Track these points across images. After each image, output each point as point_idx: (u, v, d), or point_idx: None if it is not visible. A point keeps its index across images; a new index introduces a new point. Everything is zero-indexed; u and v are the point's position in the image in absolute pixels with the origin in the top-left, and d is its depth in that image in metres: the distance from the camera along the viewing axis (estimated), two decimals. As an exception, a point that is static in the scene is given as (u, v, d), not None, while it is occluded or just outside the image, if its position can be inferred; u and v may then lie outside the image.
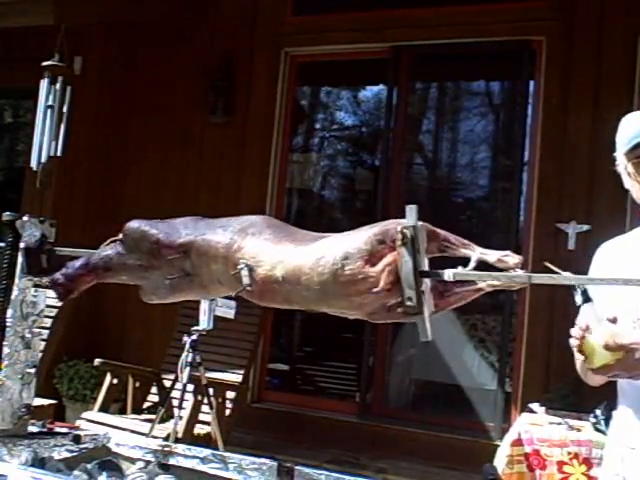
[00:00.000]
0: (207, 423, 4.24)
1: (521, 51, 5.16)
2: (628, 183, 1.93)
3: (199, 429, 4.24)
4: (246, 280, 1.52)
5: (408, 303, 1.38)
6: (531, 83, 5.20)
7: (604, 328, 1.62)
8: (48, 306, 2.30)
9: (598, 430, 3.23)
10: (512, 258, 1.43)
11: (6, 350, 1.81)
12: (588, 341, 1.61)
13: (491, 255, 1.43)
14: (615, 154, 1.94)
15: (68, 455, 1.82)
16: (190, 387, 4.01)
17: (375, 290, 1.40)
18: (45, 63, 5.12)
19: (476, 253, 1.43)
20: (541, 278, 1.45)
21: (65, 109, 5.15)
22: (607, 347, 1.59)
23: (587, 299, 1.61)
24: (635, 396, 1.87)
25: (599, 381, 1.94)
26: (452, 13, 5.25)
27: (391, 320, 1.48)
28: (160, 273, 1.65)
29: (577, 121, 4.73)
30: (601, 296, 1.79)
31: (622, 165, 1.92)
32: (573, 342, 1.65)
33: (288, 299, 1.52)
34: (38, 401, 3.58)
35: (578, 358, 1.84)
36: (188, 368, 3.91)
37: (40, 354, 1.95)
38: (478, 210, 6.55)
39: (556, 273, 1.53)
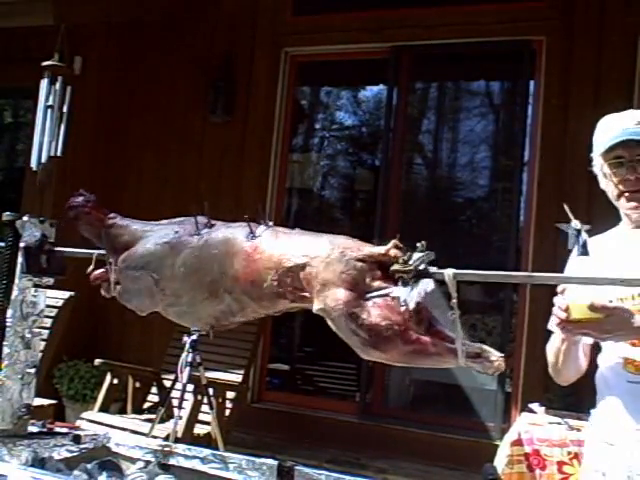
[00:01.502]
0: (207, 423, 4.24)
1: (521, 51, 5.16)
2: (603, 183, 1.99)
3: (199, 429, 4.24)
4: (261, 228, 1.57)
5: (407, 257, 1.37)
6: (531, 83, 5.20)
7: (591, 288, 1.66)
8: (48, 306, 2.30)
9: (598, 430, 3.23)
10: (494, 354, 1.38)
11: (6, 350, 1.81)
12: (569, 295, 1.67)
13: (472, 347, 1.38)
14: (592, 155, 2.00)
15: (68, 455, 1.82)
16: (190, 387, 4.00)
17: (377, 252, 1.41)
18: (45, 63, 5.12)
19: (459, 339, 1.37)
20: (541, 278, 1.45)
21: (65, 109, 5.16)
22: (591, 307, 1.64)
23: (585, 252, 1.64)
24: (620, 388, 1.88)
25: (568, 380, 2.01)
26: (452, 13, 5.25)
27: (360, 319, 1.42)
28: (168, 231, 1.70)
29: (577, 121, 4.72)
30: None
31: (598, 166, 1.98)
32: (557, 299, 1.71)
33: (281, 255, 1.52)
34: (38, 401, 3.57)
35: (550, 353, 1.92)
36: (188, 368, 3.91)
37: (40, 354, 1.95)
38: (478, 210, 6.55)
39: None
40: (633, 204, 1.91)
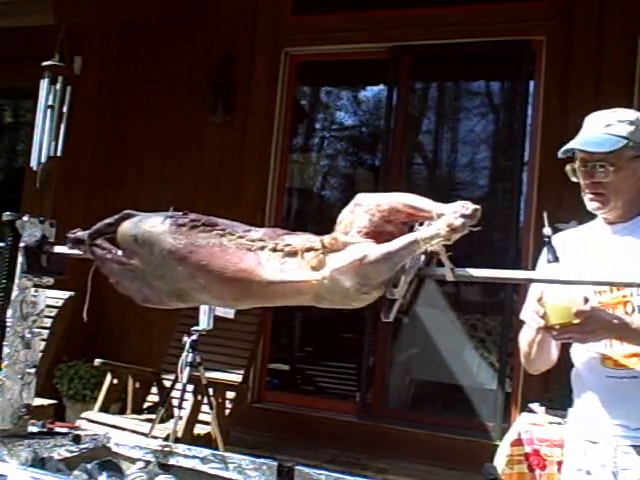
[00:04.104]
0: (207, 423, 4.24)
1: (521, 51, 5.16)
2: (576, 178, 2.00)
3: (199, 429, 4.24)
4: None
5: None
6: (531, 83, 5.20)
7: (567, 292, 1.69)
8: (48, 306, 2.30)
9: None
10: (466, 209, 1.33)
11: (6, 350, 1.81)
12: (546, 301, 1.70)
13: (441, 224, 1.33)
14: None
15: (68, 455, 1.82)
16: (190, 387, 4.01)
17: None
18: (45, 63, 5.12)
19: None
20: (540, 278, 1.45)
21: (65, 109, 5.15)
22: (570, 314, 1.67)
23: (555, 259, 1.66)
24: (599, 384, 1.89)
25: (539, 369, 2.04)
26: (452, 13, 5.25)
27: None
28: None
29: (577, 121, 4.70)
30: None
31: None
32: (534, 305, 1.74)
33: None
34: (38, 401, 3.58)
35: (523, 342, 1.97)
36: (188, 368, 3.91)
37: (40, 354, 1.95)
38: (478, 210, 6.54)
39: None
40: (593, 204, 1.95)
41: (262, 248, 1.48)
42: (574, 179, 1.98)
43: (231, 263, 1.48)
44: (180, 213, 1.59)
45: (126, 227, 1.66)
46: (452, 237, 1.31)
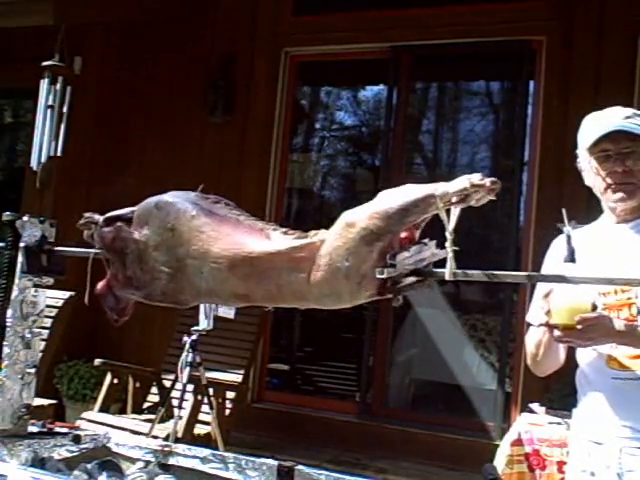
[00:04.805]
0: (207, 423, 4.24)
1: (521, 51, 5.16)
2: (590, 179, 1.99)
3: (199, 429, 4.24)
4: None
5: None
6: (531, 83, 5.20)
7: (576, 295, 1.69)
8: (48, 306, 2.30)
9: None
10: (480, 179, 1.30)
11: (6, 350, 1.81)
12: (553, 300, 1.71)
13: (452, 186, 1.30)
14: (577, 151, 2.02)
15: (68, 455, 1.82)
16: (190, 387, 4.01)
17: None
18: (45, 63, 5.12)
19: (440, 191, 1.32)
20: (541, 278, 1.45)
21: (65, 109, 5.15)
22: (580, 320, 1.67)
23: (572, 260, 1.65)
24: (604, 385, 1.89)
25: (546, 371, 2.03)
26: (452, 13, 5.25)
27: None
28: None
29: (577, 121, 4.71)
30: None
31: (585, 161, 1.98)
32: (541, 301, 1.75)
33: None
34: (38, 401, 3.57)
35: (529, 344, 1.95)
36: (188, 368, 3.91)
37: (40, 354, 1.95)
38: (478, 210, 6.54)
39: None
40: (620, 195, 1.92)
41: (274, 230, 1.56)
42: (589, 181, 1.97)
43: (240, 231, 1.58)
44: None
45: (150, 198, 1.80)
46: (469, 196, 1.29)
